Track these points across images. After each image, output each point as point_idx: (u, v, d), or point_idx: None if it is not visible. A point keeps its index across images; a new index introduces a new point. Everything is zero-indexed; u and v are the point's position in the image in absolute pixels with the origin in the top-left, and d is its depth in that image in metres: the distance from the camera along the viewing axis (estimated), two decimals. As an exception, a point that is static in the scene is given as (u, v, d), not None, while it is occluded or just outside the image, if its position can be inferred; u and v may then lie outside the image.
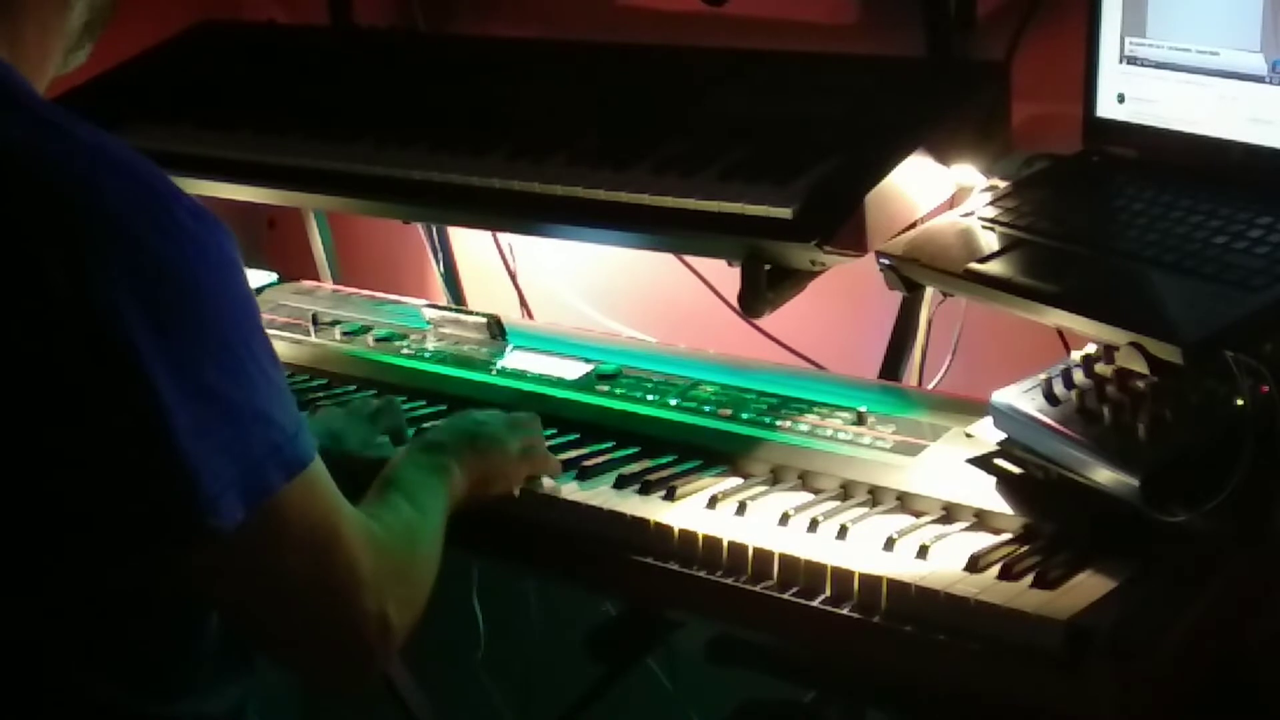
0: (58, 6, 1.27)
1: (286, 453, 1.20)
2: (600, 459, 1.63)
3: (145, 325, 1.12)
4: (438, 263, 2.52)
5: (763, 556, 1.41)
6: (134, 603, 1.22)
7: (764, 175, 1.69)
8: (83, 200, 1.13)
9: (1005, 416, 1.50)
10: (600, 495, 1.55)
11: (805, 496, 1.54)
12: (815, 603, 1.37)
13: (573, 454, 1.64)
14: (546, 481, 1.58)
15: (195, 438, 1.14)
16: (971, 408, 1.61)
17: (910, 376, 1.95)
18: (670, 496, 1.53)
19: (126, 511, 1.16)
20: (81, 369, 1.13)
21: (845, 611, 1.35)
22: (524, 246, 2.43)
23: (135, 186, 1.16)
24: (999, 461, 1.52)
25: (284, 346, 2.00)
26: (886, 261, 1.65)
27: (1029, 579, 1.33)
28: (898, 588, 1.33)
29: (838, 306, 2.05)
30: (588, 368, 1.84)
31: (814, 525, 1.45)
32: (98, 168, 1.16)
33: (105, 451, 1.14)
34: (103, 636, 1.22)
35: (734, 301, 1.70)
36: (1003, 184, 1.73)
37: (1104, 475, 1.37)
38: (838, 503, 1.51)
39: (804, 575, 1.38)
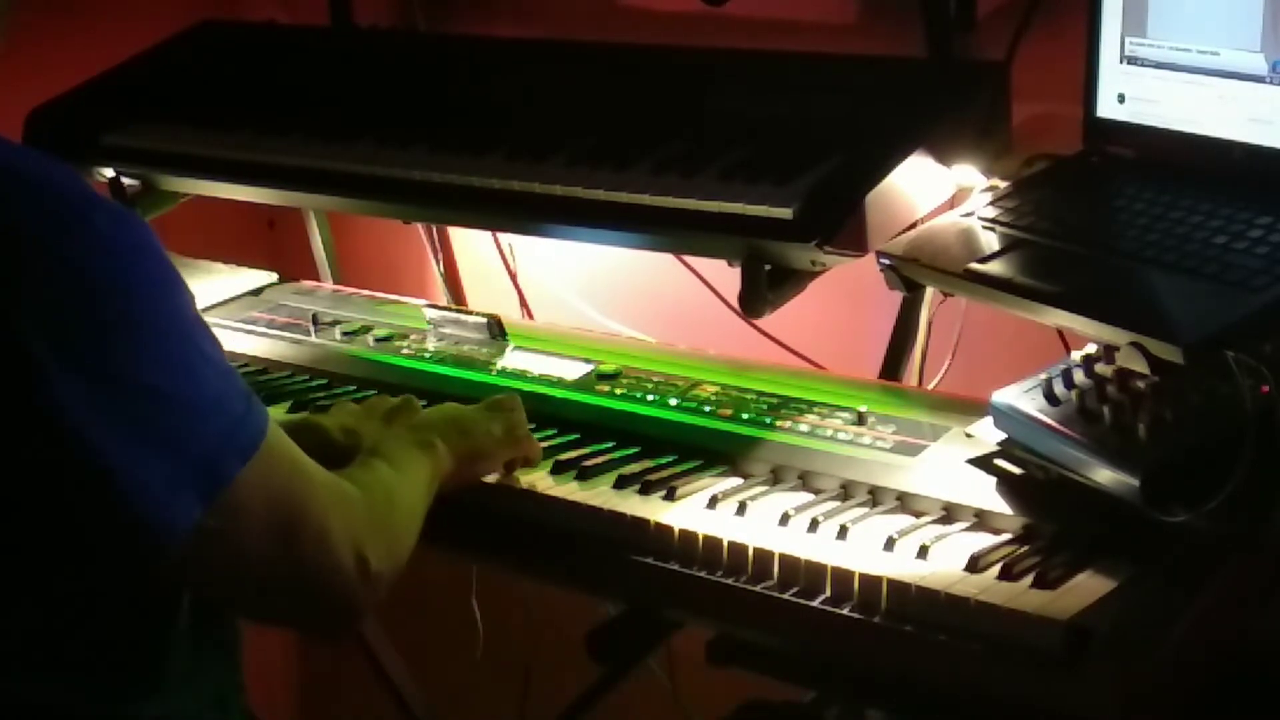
0: None
1: (239, 436, 1.20)
2: (600, 459, 1.63)
3: (74, 345, 1.11)
4: (438, 263, 2.52)
5: (763, 556, 1.41)
6: (107, 608, 1.22)
7: (764, 175, 1.70)
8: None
9: (1005, 416, 1.50)
10: (600, 495, 1.55)
11: (805, 496, 1.54)
12: (815, 603, 1.37)
13: (573, 454, 1.64)
14: (524, 478, 1.59)
15: (141, 450, 1.13)
16: (971, 408, 1.61)
17: (910, 376, 1.95)
18: (670, 496, 1.53)
19: (84, 534, 1.16)
20: (12, 403, 1.11)
21: (845, 611, 1.35)
22: (524, 246, 2.43)
23: (43, 200, 1.13)
24: (999, 461, 1.52)
25: (284, 346, 2.00)
26: (886, 261, 1.65)
27: (1029, 579, 1.33)
28: (898, 588, 1.33)
29: (838, 306, 2.06)
30: (588, 368, 1.84)
31: (814, 525, 1.45)
32: (3, 185, 1.13)
33: (51, 484, 1.13)
34: (70, 642, 1.22)
35: (734, 301, 1.70)
36: (1003, 184, 1.73)
37: (1104, 475, 1.37)
38: (838, 503, 1.51)
39: (804, 575, 1.38)
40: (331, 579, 1.26)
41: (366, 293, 2.19)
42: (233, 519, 1.19)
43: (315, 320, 2.04)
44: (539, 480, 1.59)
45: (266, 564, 1.23)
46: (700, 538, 1.44)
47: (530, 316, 2.42)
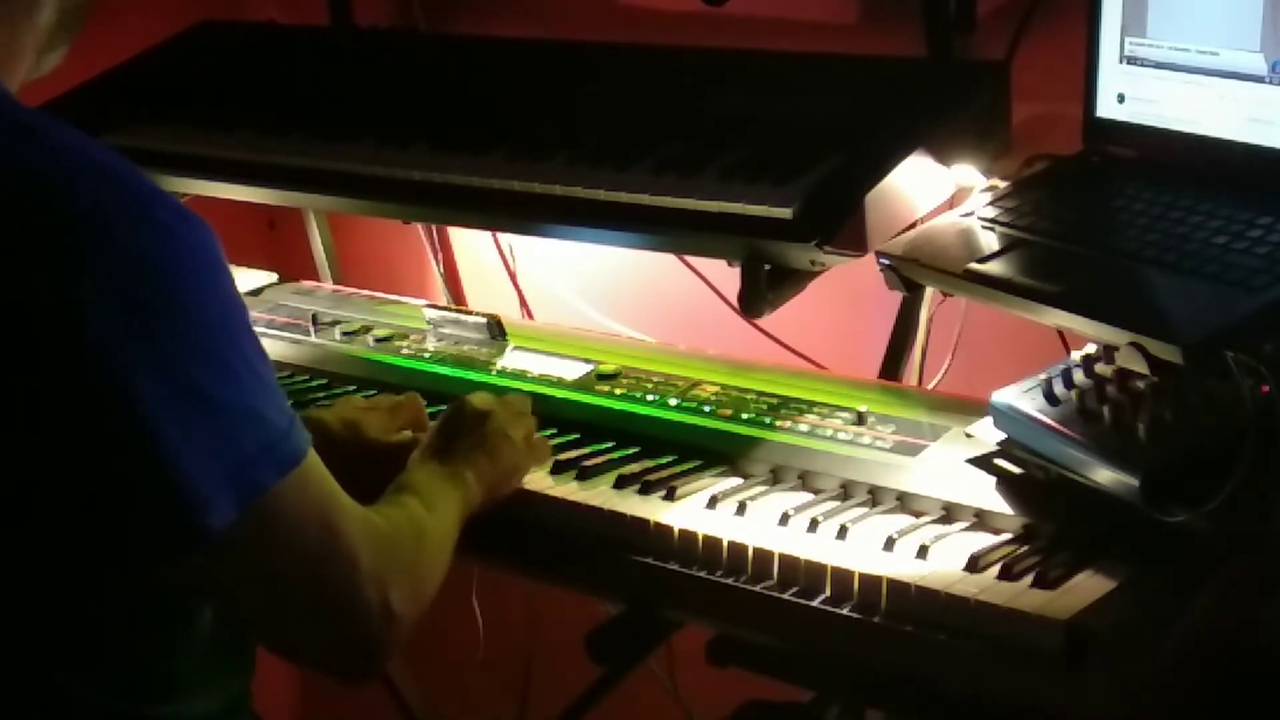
0: (25, 6, 1.25)
1: (279, 450, 1.20)
2: (600, 459, 1.63)
3: (127, 328, 1.12)
4: (438, 263, 2.52)
5: (763, 556, 1.41)
6: (129, 606, 1.22)
7: (764, 175, 1.70)
8: (58, 205, 1.13)
9: (1005, 416, 1.50)
10: (600, 495, 1.55)
11: (805, 496, 1.54)
12: (815, 603, 1.37)
13: (573, 454, 1.64)
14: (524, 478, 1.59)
15: (183, 440, 1.13)
16: (971, 408, 1.61)
17: (910, 376, 1.95)
18: (670, 496, 1.53)
19: (115, 517, 1.15)
20: (64, 376, 1.12)
21: (845, 611, 1.35)
22: (524, 246, 2.43)
23: (111, 187, 1.15)
24: (999, 461, 1.52)
25: (284, 346, 2.00)
26: (886, 261, 1.65)
27: (1029, 579, 1.33)
28: (898, 588, 1.33)
29: (838, 306, 2.06)
30: (588, 368, 1.84)
31: (814, 525, 1.45)
32: (72, 170, 1.15)
33: (91, 458, 1.14)
34: (95, 640, 1.22)
35: (734, 301, 1.70)
36: (1003, 184, 1.73)
37: (1104, 475, 1.37)
38: (838, 503, 1.51)
39: (804, 575, 1.38)
40: (354, 613, 1.25)
41: (366, 293, 2.19)
42: (263, 531, 1.19)
43: (315, 320, 2.04)
44: (539, 480, 1.59)
45: (291, 587, 1.23)
46: (700, 538, 1.44)
47: (530, 316, 2.42)
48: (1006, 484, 1.50)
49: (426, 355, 1.93)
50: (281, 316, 2.09)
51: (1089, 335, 1.49)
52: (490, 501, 1.51)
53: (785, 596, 1.38)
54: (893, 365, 1.95)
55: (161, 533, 1.16)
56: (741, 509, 1.50)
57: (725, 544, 1.43)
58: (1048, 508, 1.45)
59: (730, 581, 1.41)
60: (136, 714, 1.25)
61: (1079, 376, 1.49)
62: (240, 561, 1.19)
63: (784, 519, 1.46)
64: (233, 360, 1.18)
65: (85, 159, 1.16)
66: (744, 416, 1.69)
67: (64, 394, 1.12)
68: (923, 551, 1.38)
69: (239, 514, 1.16)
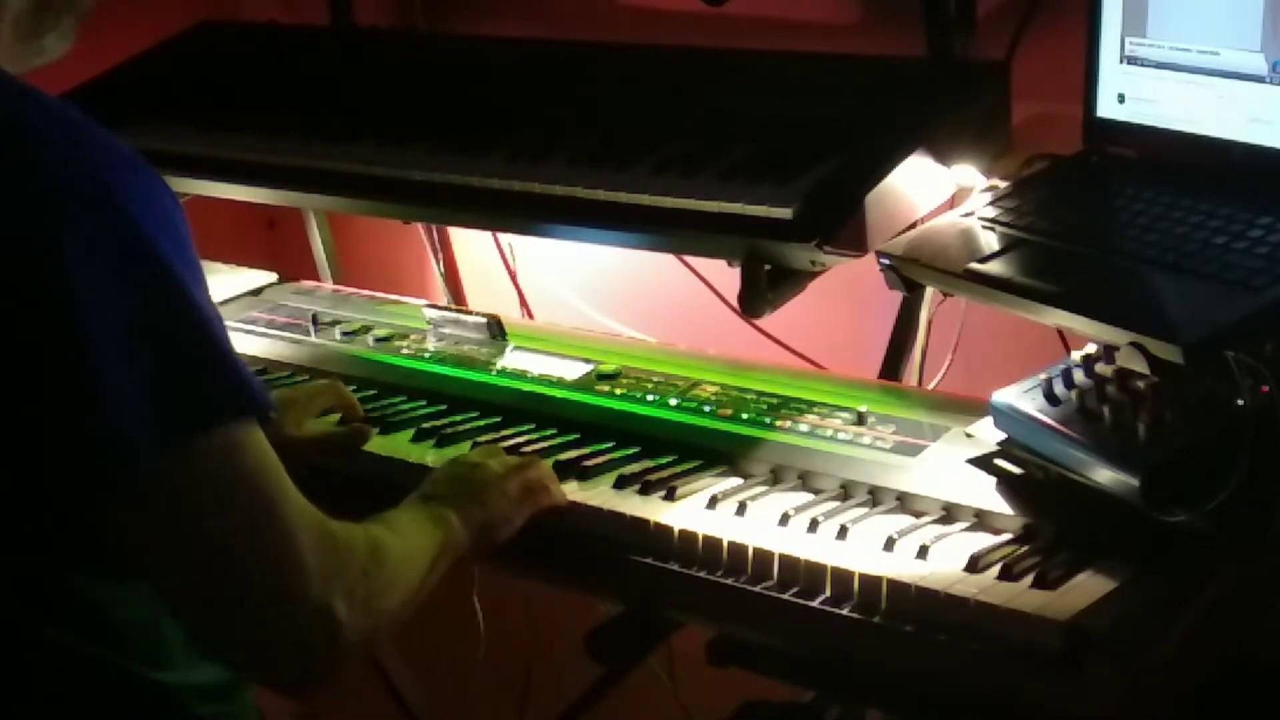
0: None
1: (234, 391, 1.17)
2: (600, 459, 1.63)
3: (75, 251, 1.12)
4: (438, 263, 2.52)
5: (763, 556, 1.41)
6: (107, 565, 1.21)
7: (764, 175, 1.70)
8: (13, 143, 1.15)
9: (1005, 416, 1.50)
10: (600, 495, 1.55)
11: (805, 496, 1.54)
12: (815, 603, 1.37)
13: (573, 454, 1.64)
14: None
15: (118, 362, 1.12)
16: (971, 408, 1.61)
17: (910, 376, 1.95)
18: (670, 496, 1.53)
19: (59, 444, 1.14)
20: (11, 300, 1.12)
21: (845, 611, 1.35)
22: (524, 246, 2.43)
23: (66, 129, 1.17)
24: (999, 461, 1.52)
25: (284, 346, 2.00)
26: (886, 261, 1.65)
27: (1029, 579, 1.33)
28: (898, 588, 1.33)
29: (838, 306, 2.06)
30: (588, 368, 1.84)
31: (814, 525, 1.45)
32: (27, 110, 1.17)
33: (26, 374, 1.13)
34: (90, 603, 1.22)
35: (734, 301, 1.70)
36: (1003, 184, 1.73)
37: (1104, 475, 1.37)
38: (838, 503, 1.51)
39: (804, 575, 1.38)
40: (291, 607, 1.19)
41: (366, 293, 2.19)
42: (208, 472, 1.15)
43: (315, 320, 2.04)
44: (539, 480, 1.59)
45: (231, 550, 1.17)
46: (700, 538, 1.44)
47: (530, 316, 2.42)
48: (1006, 484, 1.50)
49: (426, 355, 1.93)
50: (281, 316, 2.09)
51: (1089, 335, 1.49)
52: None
53: (785, 597, 1.38)
54: (893, 365, 1.94)
55: (88, 454, 1.14)
56: (741, 509, 1.50)
57: (725, 544, 1.43)
58: (1048, 508, 1.45)
59: (730, 581, 1.41)
60: (141, 676, 1.25)
61: (1079, 376, 1.49)
62: (165, 511, 1.16)
63: (784, 519, 1.46)
64: (184, 310, 1.16)
65: (35, 104, 1.19)
66: (744, 416, 1.68)
67: (11, 321, 1.13)
68: (923, 552, 1.38)
69: (163, 446, 1.14)
